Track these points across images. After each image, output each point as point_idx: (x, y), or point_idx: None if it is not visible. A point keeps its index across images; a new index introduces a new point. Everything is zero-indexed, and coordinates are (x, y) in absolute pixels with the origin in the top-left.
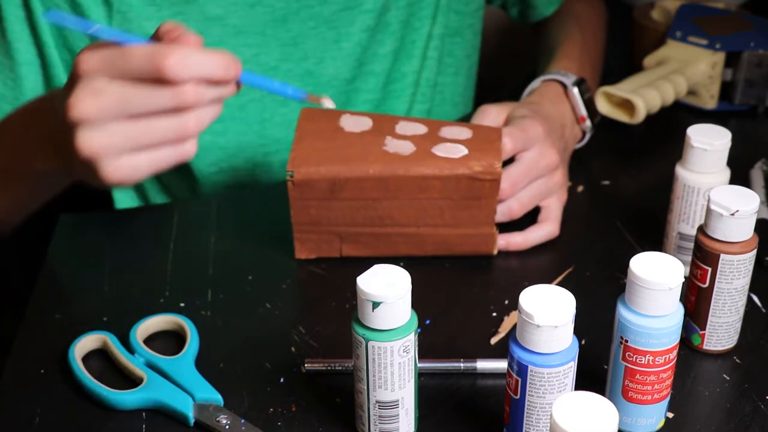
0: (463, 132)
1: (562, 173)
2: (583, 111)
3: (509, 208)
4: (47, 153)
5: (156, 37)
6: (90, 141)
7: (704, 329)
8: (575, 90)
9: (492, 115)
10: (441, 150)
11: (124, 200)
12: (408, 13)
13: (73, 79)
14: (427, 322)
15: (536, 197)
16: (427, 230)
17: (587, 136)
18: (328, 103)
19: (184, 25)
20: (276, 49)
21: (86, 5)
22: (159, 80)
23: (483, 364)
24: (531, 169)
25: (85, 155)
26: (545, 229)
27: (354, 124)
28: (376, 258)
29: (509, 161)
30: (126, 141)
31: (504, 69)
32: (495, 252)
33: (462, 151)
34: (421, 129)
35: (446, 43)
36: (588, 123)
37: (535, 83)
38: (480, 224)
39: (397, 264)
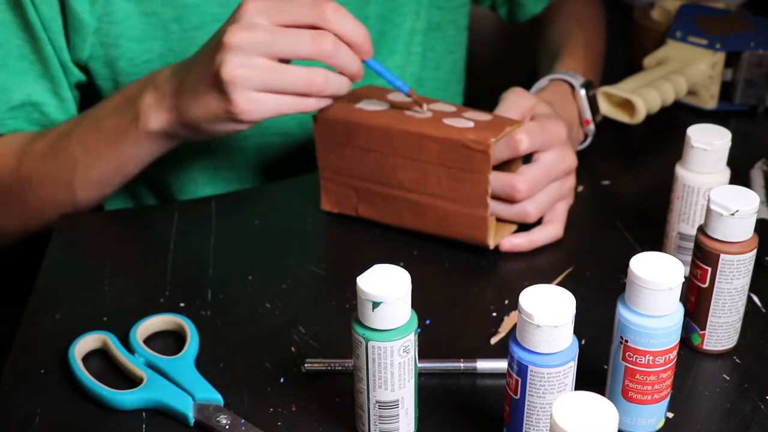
0: (484, 116)
1: (574, 176)
2: (588, 114)
3: (525, 212)
4: (160, 107)
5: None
6: (234, 66)
7: (704, 329)
8: (582, 92)
9: (524, 97)
10: (450, 121)
11: (116, 204)
12: (388, 8)
13: (234, 18)
14: (427, 322)
15: (552, 201)
16: (428, 199)
17: (589, 140)
18: (425, 112)
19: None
20: None
21: None
22: (315, 25)
23: (483, 364)
24: (550, 171)
25: (226, 77)
26: (550, 231)
27: (394, 97)
28: (385, 227)
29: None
30: (262, 77)
31: (500, 70)
32: (491, 244)
33: (468, 124)
34: (449, 108)
35: (429, 38)
36: (592, 126)
37: (543, 82)
38: (474, 204)
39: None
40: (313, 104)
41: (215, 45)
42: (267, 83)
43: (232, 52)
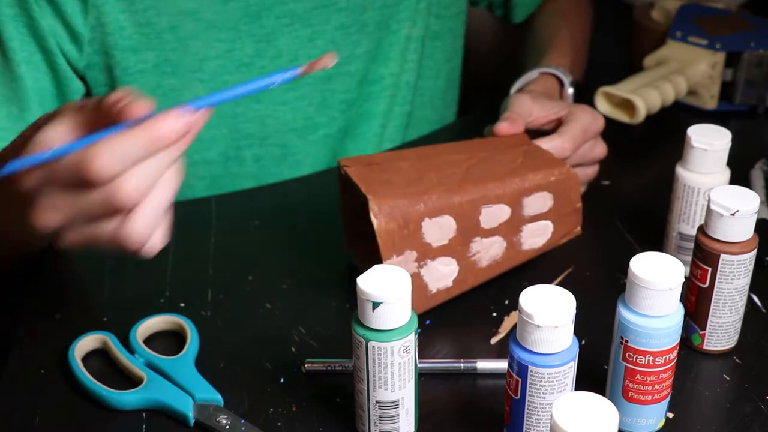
0: (545, 201)
1: (597, 165)
2: None
3: None
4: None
5: (105, 108)
6: (64, 240)
7: (704, 329)
8: (571, 90)
9: (527, 104)
10: (528, 239)
11: None
12: (385, 15)
13: (24, 195)
14: (427, 322)
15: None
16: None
17: None
18: (330, 60)
19: (134, 89)
20: (249, 45)
21: (62, 1)
22: (90, 185)
23: (483, 364)
24: (578, 156)
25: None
26: (552, 142)
27: (437, 231)
28: None
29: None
30: (81, 237)
31: (493, 74)
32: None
33: (547, 231)
34: (505, 213)
35: (426, 46)
36: None
37: (533, 74)
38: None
39: None
40: (153, 248)
41: (31, 227)
42: (87, 240)
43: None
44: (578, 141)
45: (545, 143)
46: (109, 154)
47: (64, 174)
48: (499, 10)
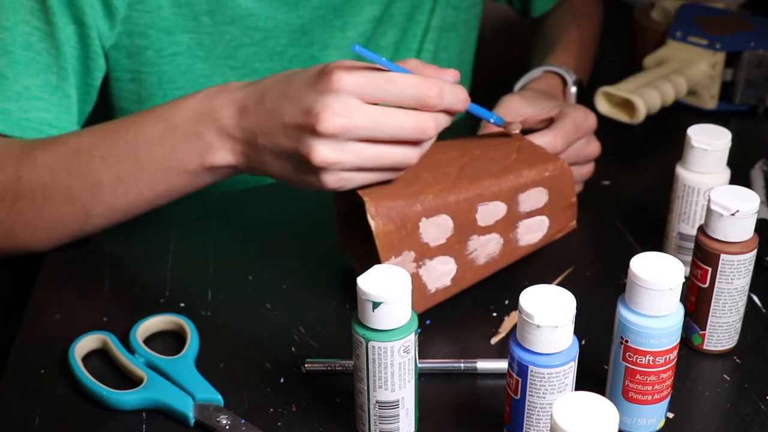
0: (541, 196)
1: (593, 164)
2: None
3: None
4: (225, 148)
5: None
6: (327, 154)
7: (704, 329)
8: (574, 89)
9: (513, 105)
10: (525, 235)
11: None
12: (412, 6)
13: (322, 92)
14: (427, 322)
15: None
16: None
17: None
18: (516, 128)
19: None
20: (285, 34)
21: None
22: (417, 107)
23: (483, 364)
24: (571, 154)
25: (316, 163)
26: (544, 137)
27: (435, 230)
28: None
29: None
30: (356, 160)
31: (498, 73)
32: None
33: (543, 227)
34: (501, 209)
35: (442, 37)
36: None
37: (537, 72)
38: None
39: None
40: (399, 173)
41: (303, 117)
42: (360, 166)
43: (324, 139)
44: (570, 136)
45: (537, 138)
46: (445, 90)
47: (399, 87)
48: (518, 4)
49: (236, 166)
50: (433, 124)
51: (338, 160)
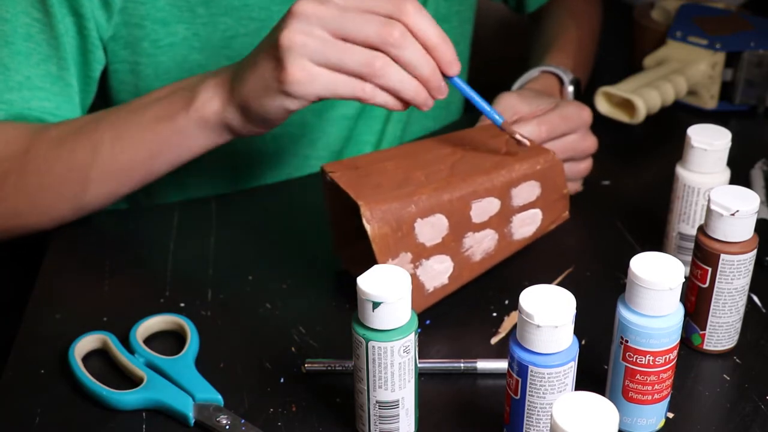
0: (533, 189)
1: (591, 159)
2: None
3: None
4: (209, 93)
5: None
6: (295, 32)
7: (704, 329)
8: (571, 88)
9: (510, 102)
10: (519, 228)
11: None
12: None
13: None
14: (427, 322)
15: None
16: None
17: None
18: (525, 141)
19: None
20: None
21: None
22: (389, 17)
23: (483, 364)
24: (566, 148)
25: (285, 42)
26: (527, 126)
27: (430, 230)
28: None
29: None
30: (320, 48)
31: (499, 72)
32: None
33: (537, 219)
34: (494, 205)
35: None
36: None
37: (534, 72)
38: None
39: None
40: (368, 91)
41: (289, 11)
42: (325, 55)
43: (296, 19)
44: (554, 126)
45: (522, 128)
46: (422, 10)
47: None
48: (512, 1)
49: (221, 112)
50: (398, 33)
51: (303, 40)
